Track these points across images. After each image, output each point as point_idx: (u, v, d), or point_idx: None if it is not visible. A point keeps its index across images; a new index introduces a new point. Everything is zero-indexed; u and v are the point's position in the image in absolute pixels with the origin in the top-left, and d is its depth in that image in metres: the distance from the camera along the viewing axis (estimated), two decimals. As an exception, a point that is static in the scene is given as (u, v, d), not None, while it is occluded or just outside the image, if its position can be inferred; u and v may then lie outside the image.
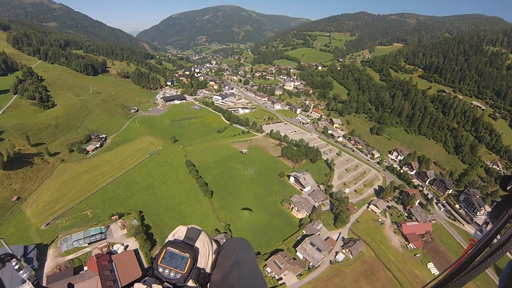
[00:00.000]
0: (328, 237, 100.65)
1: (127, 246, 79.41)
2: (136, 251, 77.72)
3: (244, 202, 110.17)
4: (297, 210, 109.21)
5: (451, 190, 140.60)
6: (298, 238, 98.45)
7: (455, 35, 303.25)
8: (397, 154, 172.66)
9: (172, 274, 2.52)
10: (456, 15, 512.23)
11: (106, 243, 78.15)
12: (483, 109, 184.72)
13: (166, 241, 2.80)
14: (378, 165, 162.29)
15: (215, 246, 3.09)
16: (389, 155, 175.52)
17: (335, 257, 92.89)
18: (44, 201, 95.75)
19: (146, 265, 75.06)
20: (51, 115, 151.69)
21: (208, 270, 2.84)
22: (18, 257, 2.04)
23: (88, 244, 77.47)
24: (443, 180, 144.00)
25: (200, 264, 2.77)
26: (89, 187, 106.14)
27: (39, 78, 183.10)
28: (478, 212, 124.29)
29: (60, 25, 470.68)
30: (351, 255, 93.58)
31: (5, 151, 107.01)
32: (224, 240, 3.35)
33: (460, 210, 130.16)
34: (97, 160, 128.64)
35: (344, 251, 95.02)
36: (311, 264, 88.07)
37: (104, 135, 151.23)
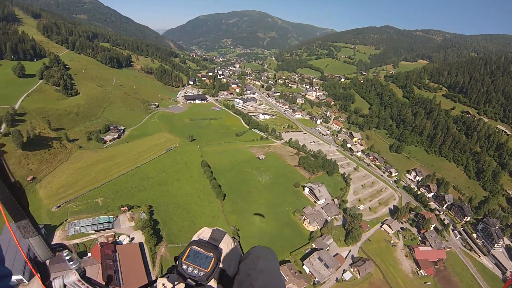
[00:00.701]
0: (337, 254, 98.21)
1: (132, 238, 79.81)
2: (141, 244, 77.95)
3: (256, 208, 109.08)
4: (309, 222, 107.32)
5: (469, 218, 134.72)
6: (306, 251, 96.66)
7: (482, 54, 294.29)
8: (415, 174, 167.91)
9: (195, 271, 2.60)
10: (483, 34, 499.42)
11: (112, 233, 78.92)
12: (508, 134, 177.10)
13: (191, 240, 2.90)
14: (395, 184, 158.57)
15: (239, 249, 3.19)
16: (407, 174, 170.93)
17: (342, 275, 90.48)
18: (58, 184, 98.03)
19: (149, 259, 75.57)
20: (74, 102, 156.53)
21: (230, 272, 2.91)
22: (70, 249, 2.14)
23: (95, 231, 78.44)
24: (462, 206, 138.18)
25: (223, 265, 2.83)
26: (103, 176, 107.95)
27: (65, 66, 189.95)
28: (496, 244, 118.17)
29: (90, 18, 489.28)
30: (359, 275, 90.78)
31: (25, 132, 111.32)
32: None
33: (477, 240, 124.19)
34: (113, 151, 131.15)
35: (352, 270, 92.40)
36: (316, 279, 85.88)
37: (122, 127, 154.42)
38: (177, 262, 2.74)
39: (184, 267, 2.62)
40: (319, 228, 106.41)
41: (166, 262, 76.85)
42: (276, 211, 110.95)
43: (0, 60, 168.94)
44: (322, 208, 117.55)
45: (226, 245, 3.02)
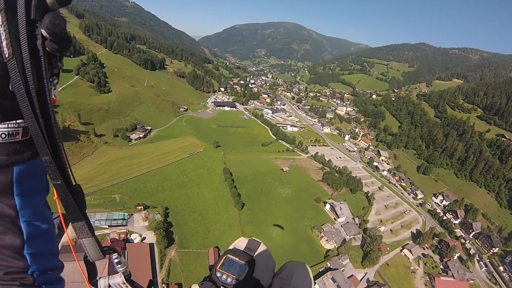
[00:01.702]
0: (352, 275, 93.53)
1: (144, 238, 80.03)
2: (151, 245, 77.76)
3: (275, 221, 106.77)
4: (326, 240, 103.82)
5: (497, 249, 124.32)
6: (320, 270, 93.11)
7: None
8: (442, 198, 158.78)
9: (229, 279, 2.65)
10: None
11: (125, 230, 79.53)
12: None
13: (227, 249, 3.00)
14: (420, 207, 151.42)
15: (273, 261, 3.25)
16: (433, 198, 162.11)
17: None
18: (80, 176, 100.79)
19: (157, 261, 75.37)
20: (105, 99, 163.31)
21: (264, 283, 2.94)
22: (120, 252, 2.24)
23: (108, 226, 79.46)
24: (490, 236, 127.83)
25: (257, 274, 2.87)
26: (124, 173, 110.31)
27: (101, 64, 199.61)
28: None
29: (130, 21, 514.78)
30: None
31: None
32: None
33: (504, 274, 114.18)
34: (137, 149, 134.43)
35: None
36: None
37: (149, 127, 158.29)
38: (211, 271, 2.81)
39: (218, 275, 2.68)
40: (336, 247, 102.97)
41: (174, 266, 76.32)
42: (294, 225, 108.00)
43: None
44: (341, 226, 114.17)
45: (261, 255, 3.07)
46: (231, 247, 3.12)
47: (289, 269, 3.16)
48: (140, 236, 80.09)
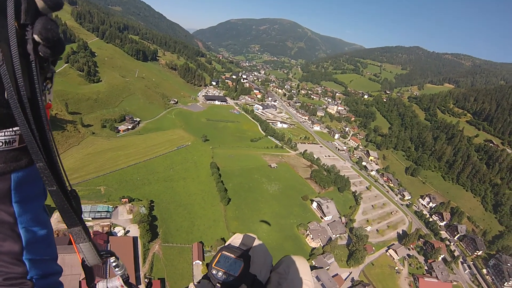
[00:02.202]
0: (337, 274, 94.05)
1: (128, 231, 78.91)
2: (135, 239, 76.77)
3: (261, 217, 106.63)
4: (312, 238, 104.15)
5: (481, 252, 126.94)
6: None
7: None
8: (429, 200, 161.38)
9: (225, 276, 2.64)
10: None
11: (109, 223, 78.29)
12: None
13: (221, 246, 2.98)
14: (406, 208, 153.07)
15: (270, 256, 3.22)
16: (420, 199, 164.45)
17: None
18: (65, 167, 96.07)
19: (141, 255, 74.35)
20: (94, 89, 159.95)
21: (261, 278, 2.92)
22: (117, 256, 2.27)
23: (92, 218, 78.03)
24: (475, 238, 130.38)
25: (253, 270, 2.85)
26: (110, 165, 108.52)
27: (92, 53, 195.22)
28: (507, 283, 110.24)
29: (124, 10, 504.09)
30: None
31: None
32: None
33: (487, 276, 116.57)
34: (125, 141, 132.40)
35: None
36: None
37: (138, 119, 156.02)
38: (208, 268, 2.79)
39: (214, 272, 2.66)
40: (321, 245, 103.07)
41: (157, 260, 75.50)
42: (280, 222, 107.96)
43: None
44: (328, 224, 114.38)
45: (257, 250, 3.05)
46: (226, 244, 3.09)
47: (286, 263, 3.13)
48: (124, 229, 78.86)
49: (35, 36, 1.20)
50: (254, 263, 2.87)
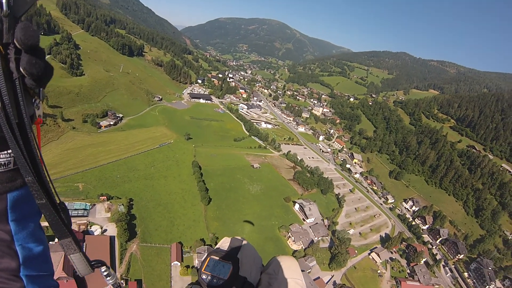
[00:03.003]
0: (318, 277, 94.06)
1: (105, 230, 76.87)
2: (112, 238, 74.83)
3: (242, 218, 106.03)
4: (293, 241, 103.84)
5: (462, 255, 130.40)
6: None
7: (494, 91, 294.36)
8: (412, 204, 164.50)
9: (214, 280, 2.64)
10: (497, 72, 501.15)
11: (85, 221, 76.06)
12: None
13: (210, 251, 3.01)
14: (390, 211, 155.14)
15: (259, 257, 3.27)
16: (403, 203, 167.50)
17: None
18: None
19: (117, 255, 72.55)
20: (77, 82, 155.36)
21: (252, 280, 2.93)
22: (108, 265, 2.32)
23: (68, 217, 75.04)
24: (456, 242, 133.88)
25: (243, 272, 2.86)
26: (90, 161, 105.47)
27: (76, 45, 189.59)
28: (488, 286, 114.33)
29: (112, 3, 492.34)
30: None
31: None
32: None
33: (468, 280, 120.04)
34: (106, 137, 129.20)
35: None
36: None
37: (121, 115, 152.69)
38: (198, 273, 2.80)
39: (204, 277, 2.66)
40: (303, 248, 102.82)
41: (135, 261, 73.74)
42: (262, 223, 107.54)
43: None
44: (310, 227, 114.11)
45: (245, 252, 3.07)
46: (215, 248, 3.11)
47: (276, 263, 3.16)
48: (101, 228, 76.81)
49: (21, 69, 1.23)
50: (243, 265, 2.86)
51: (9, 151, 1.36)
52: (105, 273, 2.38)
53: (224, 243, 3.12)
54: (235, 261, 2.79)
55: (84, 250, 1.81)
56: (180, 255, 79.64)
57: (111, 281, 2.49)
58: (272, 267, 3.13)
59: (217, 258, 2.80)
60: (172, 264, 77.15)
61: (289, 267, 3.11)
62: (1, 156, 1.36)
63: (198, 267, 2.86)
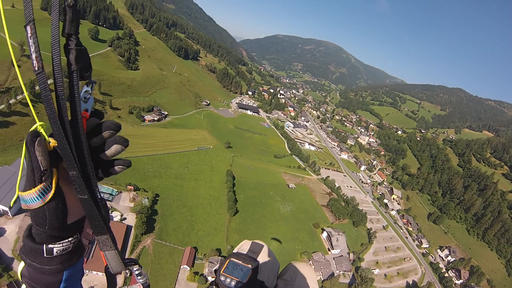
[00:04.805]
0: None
1: (124, 218, 78.25)
2: (129, 227, 75.88)
3: (265, 236, 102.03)
4: (313, 270, 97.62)
5: None
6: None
7: None
8: (448, 253, 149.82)
9: (233, 283, 2.69)
10: None
11: (108, 206, 77.31)
12: None
13: (230, 253, 3.04)
14: (422, 257, 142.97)
15: (278, 263, 3.34)
16: (439, 250, 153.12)
17: None
18: None
19: (130, 245, 72.96)
20: (130, 76, 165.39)
21: (269, 285, 3.03)
22: (140, 264, 2.36)
23: (94, 196, 77.96)
24: None
25: (261, 277, 2.94)
26: (127, 150, 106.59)
27: (136, 42, 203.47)
28: None
29: (177, 9, 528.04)
30: None
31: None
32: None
33: None
34: (147, 131, 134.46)
35: None
36: None
37: (166, 113, 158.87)
38: (216, 274, 2.86)
39: (222, 278, 2.72)
40: (322, 279, 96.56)
41: (145, 255, 73.75)
42: (284, 245, 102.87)
43: (81, 20, 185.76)
44: (333, 258, 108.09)
45: (265, 257, 3.17)
46: (235, 250, 3.21)
47: (292, 270, 3.23)
48: (121, 215, 78.51)
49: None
50: (262, 270, 2.93)
51: (71, 239, 1.57)
52: (137, 272, 2.40)
53: (244, 246, 3.22)
54: (254, 265, 2.81)
55: (119, 249, 1.94)
56: (191, 260, 78.36)
57: (141, 280, 2.51)
58: (289, 273, 3.18)
59: (237, 261, 2.82)
60: (182, 267, 76.14)
61: (306, 275, 3.16)
62: (64, 244, 1.54)
63: (217, 268, 2.86)
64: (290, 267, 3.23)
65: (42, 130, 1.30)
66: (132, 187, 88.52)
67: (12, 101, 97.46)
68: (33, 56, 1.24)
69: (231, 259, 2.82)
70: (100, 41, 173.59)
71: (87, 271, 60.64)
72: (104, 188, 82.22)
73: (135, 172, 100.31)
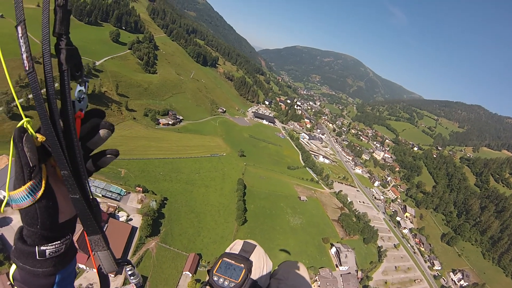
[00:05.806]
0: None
1: (130, 219, 78.39)
2: (134, 228, 75.90)
3: (273, 247, 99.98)
4: (319, 286, 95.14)
5: None
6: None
7: None
8: (461, 276, 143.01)
9: (226, 283, 2.70)
10: None
11: (116, 205, 78.68)
12: None
13: (222, 253, 3.04)
14: (433, 279, 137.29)
15: (270, 262, 3.33)
16: (451, 273, 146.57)
17: None
18: None
19: (133, 246, 72.99)
20: (148, 79, 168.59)
21: (262, 284, 3.06)
22: (133, 264, 2.37)
23: (102, 196, 79.05)
24: None
25: (254, 276, 2.98)
26: (139, 151, 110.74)
27: (155, 46, 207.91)
28: None
29: (198, 17, 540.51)
30: None
31: (92, 86, 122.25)
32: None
33: None
34: (161, 134, 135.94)
35: None
36: None
37: (181, 117, 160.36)
38: (209, 274, 2.86)
39: (215, 278, 2.72)
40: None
41: (148, 257, 73.57)
42: (290, 258, 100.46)
43: (104, 23, 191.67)
44: (341, 275, 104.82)
45: (257, 257, 3.17)
46: (227, 250, 3.20)
47: (285, 269, 3.28)
48: (127, 216, 78.77)
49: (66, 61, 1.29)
50: (254, 269, 2.96)
51: (63, 239, 1.59)
52: (130, 272, 2.41)
53: (236, 246, 3.20)
54: (248, 265, 2.82)
55: (111, 249, 1.95)
56: (194, 267, 77.52)
57: (134, 281, 2.52)
58: (281, 272, 3.21)
59: (230, 260, 2.82)
60: (184, 273, 75.40)
61: (299, 273, 3.20)
62: (56, 245, 1.54)
63: (210, 269, 2.85)
64: (283, 265, 3.26)
65: (29, 126, 1.30)
66: (141, 189, 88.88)
67: (30, 95, 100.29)
68: (24, 56, 1.25)
69: (224, 259, 2.82)
70: (120, 44, 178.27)
71: (87, 268, 60.77)
72: (113, 187, 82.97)
73: (145, 173, 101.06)
